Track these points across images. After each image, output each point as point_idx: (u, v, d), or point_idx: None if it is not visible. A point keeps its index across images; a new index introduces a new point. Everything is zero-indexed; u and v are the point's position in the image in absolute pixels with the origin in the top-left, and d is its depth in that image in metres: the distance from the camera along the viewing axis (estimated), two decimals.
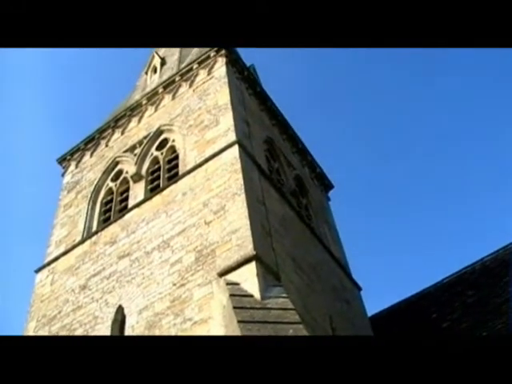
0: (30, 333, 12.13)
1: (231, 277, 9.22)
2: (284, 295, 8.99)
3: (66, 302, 12.02)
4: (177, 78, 15.61)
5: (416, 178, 40.01)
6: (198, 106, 13.94)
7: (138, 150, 14.52)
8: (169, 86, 15.69)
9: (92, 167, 15.62)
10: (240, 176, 10.81)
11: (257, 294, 8.74)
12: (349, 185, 39.19)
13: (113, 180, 14.67)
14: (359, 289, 15.28)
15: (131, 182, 13.83)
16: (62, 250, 13.56)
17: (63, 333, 11.39)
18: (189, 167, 12.25)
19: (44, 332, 11.83)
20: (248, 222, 9.81)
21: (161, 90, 15.79)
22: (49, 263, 13.51)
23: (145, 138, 14.69)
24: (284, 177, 14.56)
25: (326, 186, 18.30)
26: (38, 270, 13.65)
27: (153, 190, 12.93)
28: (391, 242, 39.00)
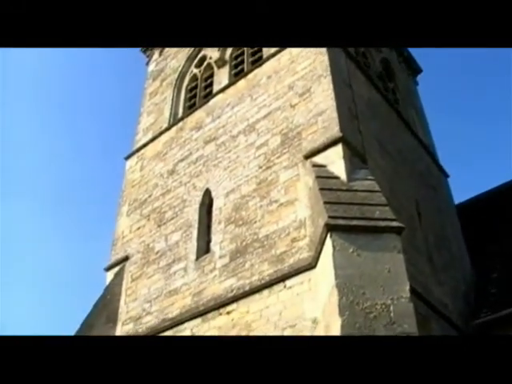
0: (124, 216, 12.67)
1: (317, 159, 9.18)
2: (370, 177, 8.90)
3: (156, 187, 12.41)
4: None
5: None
6: None
7: None
8: None
9: (175, 55, 15.56)
10: (326, 58, 10.50)
11: (343, 176, 8.70)
12: (438, 70, 37.48)
13: (197, 66, 14.62)
14: (446, 176, 14.97)
15: (215, 68, 13.74)
16: (149, 136, 13.87)
17: (154, 215, 11.84)
18: (273, 50, 11.97)
19: (136, 215, 12.34)
20: (334, 104, 9.61)
21: None
22: (137, 150, 13.90)
23: None
24: (371, 60, 14.07)
25: (414, 70, 17.58)
26: (127, 157, 14.08)
27: (237, 75, 12.81)
28: (482, 129, 37.41)
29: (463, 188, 32.91)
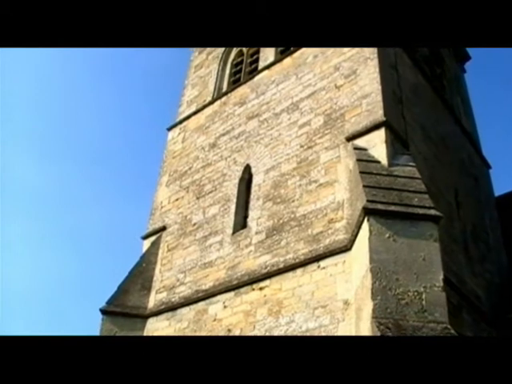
0: (163, 186, 12.85)
1: (359, 142, 9.16)
2: (411, 164, 8.86)
3: (196, 159, 12.53)
4: None
5: None
6: None
7: None
8: None
9: None
10: None
11: (384, 161, 8.68)
12: (487, 58, 36.71)
13: None
14: (488, 167, 14.77)
15: None
16: (192, 109, 13.97)
17: (193, 188, 11.98)
18: None
19: (175, 186, 12.50)
20: (379, 88, 9.55)
21: None
22: (180, 122, 14.03)
23: None
24: None
25: (463, 56, 17.23)
26: (170, 128, 14.23)
27: (283, 52, 12.74)
28: None
29: (504, 180, 32.37)
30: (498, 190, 15.54)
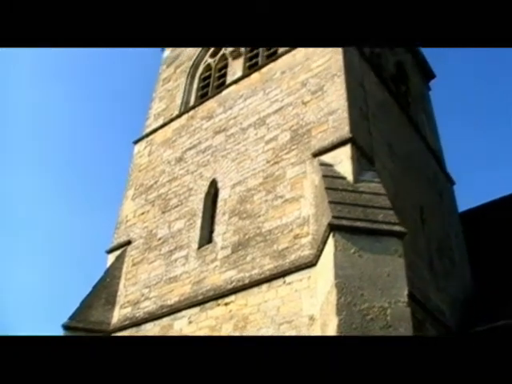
0: (129, 200, 12.73)
1: (325, 158, 9.20)
2: (377, 180, 8.93)
3: (163, 173, 12.46)
4: None
5: None
6: None
7: None
8: None
9: None
10: (340, 57, 10.51)
11: (350, 177, 8.73)
12: (452, 76, 37.39)
13: (211, 56, 14.64)
14: (453, 183, 14.98)
15: (230, 59, 13.76)
16: (160, 122, 13.91)
17: (159, 202, 11.89)
18: None
19: (141, 200, 12.39)
20: (346, 104, 9.63)
21: None
22: (147, 135, 13.96)
23: None
24: (385, 61, 14.03)
25: (428, 74, 17.52)
26: (136, 141, 14.13)
27: (251, 67, 12.82)
28: (491, 139, 37.43)
29: (469, 196, 32.89)
30: (463, 205, 15.78)
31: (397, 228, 7.74)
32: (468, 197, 34.34)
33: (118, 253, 11.88)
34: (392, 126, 11.83)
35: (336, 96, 9.91)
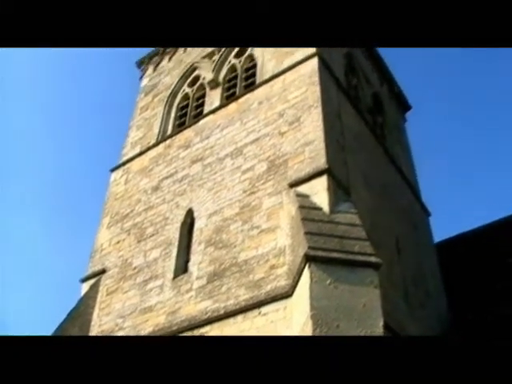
0: (104, 228, 12.63)
1: (302, 189, 9.23)
2: (353, 211, 8.97)
3: (139, 202, 12.40)
4: None
5: (498, 109, 38.42)
6: None
7: (216, 57, 14.43)
8: None
9: (169, 71, 15.67)
10: (317, 88, 10.62)
11: (326, 208, 8.75)
12: (427, 107, 37.93)
13: (189, 85, 14.71)
14: (428, 214, 15.10)
15: (207, 89, 13.84)
16: (136, 151, 13.89)
17: (135, 230, 11.81)
18: (266, 77, 12.12)
19: (116, 228, 12.30)
20: (322, 135, 9.70)
21: None
22: (124, 163, 13.91)
23: None
24: (361, 93, 14.23)
25: (404, 106, 17.81)
26: (113, 170, 14.07)
27: (229, 98, 12.90)
28: (467, 168, 37.90)
29: (444, 227, 33.16)
30: (438, 236, 15.90)
31: (372, 259, 7.76)
32: (444, 227, 34.59)
33: (92, 281, 11.74)
34: (368, 157, 11.94)
35: (313, 127, 9.99)
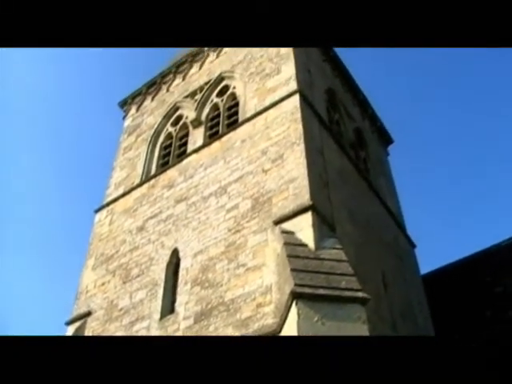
0: (89, 269, 12.52)
1: (286, 225, 9.24)
2: (338, 246, 8.98)
3: (123, 243, 12.33)
4: None
5: (480, 138, 38.93)
6: (259, 54, 13.79)
7: (198, 96, 14.55)
8: None
9: (152, 111, 15.75)
10: (300, 126, 10.71)
11: (311, 244, 8.76)
12: (410, 141, 38.35)
13: (172, 125, 14.79)
14: (413, 246, 15.14)
15: (191, 128, 13.91)
16: (120, 191, 13.86)
17: (120, 271, 11.72)
18: (248, 115, 12.21)
19: (101, 270, 12.20)
20: (306, 172, 9.76)
21: None
22: (108, 204, 13.86)
23: (206, 84, 14.68)
24: (344, 128, 14.38)
25: (386, 140, 18.01)
26: (97, 210, 14.02)
27: (212, 136, 12.97)
28: (451, 200, 38.22)
29: (430, 259, 33.25)
30: (424, 268, 15.92)
31: (359, 294, 7.75)
32: (431, 259, 34.68)
33: (78, 324, 11.58)
34: (352, 191, 12.01)
35: (295, 164, 10.05)
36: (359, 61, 39.04)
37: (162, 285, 10.61)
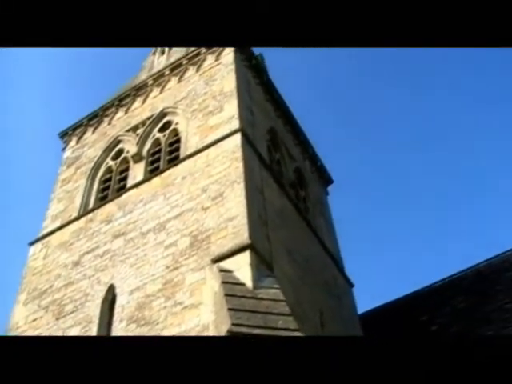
0: (20, 305, 12.14)
1: (225, 264, 9.21)
2: (276, 286, 8.99)
3: (58, 277, 12.02)
4: (184, 61, 15.52)
5: (415, 178, 39.97)
6: (203, 91, 13.89)
7: (140, 131, 14.50)
8: (176, 68, 15.63)
9: (93, 144, 15.58)
10: (240, 164, 10.78)
11: (249, 283, 8.75)
12: (349, 181, 39.07)
13: (113, 158, 14.64)
14: (351, 285, 15.31)
15: (131, 162, 13.81)
16: (57, 224, 13.56)
17: (53, 307, 11.40)
18: (190, 151, 12.22)
19: (34, 305, 11.84)
20: (245, 211, 9.80)
21: (167, 71, 15.73)
22: (43, 237, 13.51)
23: (148, 118, 14.66)
24: (284, 168, 14.55)
25: (326, 180, 18.30)
26: (32, 243, 13.64)
27: (152, 172, 12.90)
28: (387, 240, 39.00)
29: (368, 297, 33.66)
30: (362, 307, 16.08)
31: (296, 334, 7.75)
32: (369, 297, 35.13)
33: None
34: (291, 231, 12.09)
35: (235, 202, 10.08)
36: (302, 102, 39.76)
37: (97, 322, 10.35)
